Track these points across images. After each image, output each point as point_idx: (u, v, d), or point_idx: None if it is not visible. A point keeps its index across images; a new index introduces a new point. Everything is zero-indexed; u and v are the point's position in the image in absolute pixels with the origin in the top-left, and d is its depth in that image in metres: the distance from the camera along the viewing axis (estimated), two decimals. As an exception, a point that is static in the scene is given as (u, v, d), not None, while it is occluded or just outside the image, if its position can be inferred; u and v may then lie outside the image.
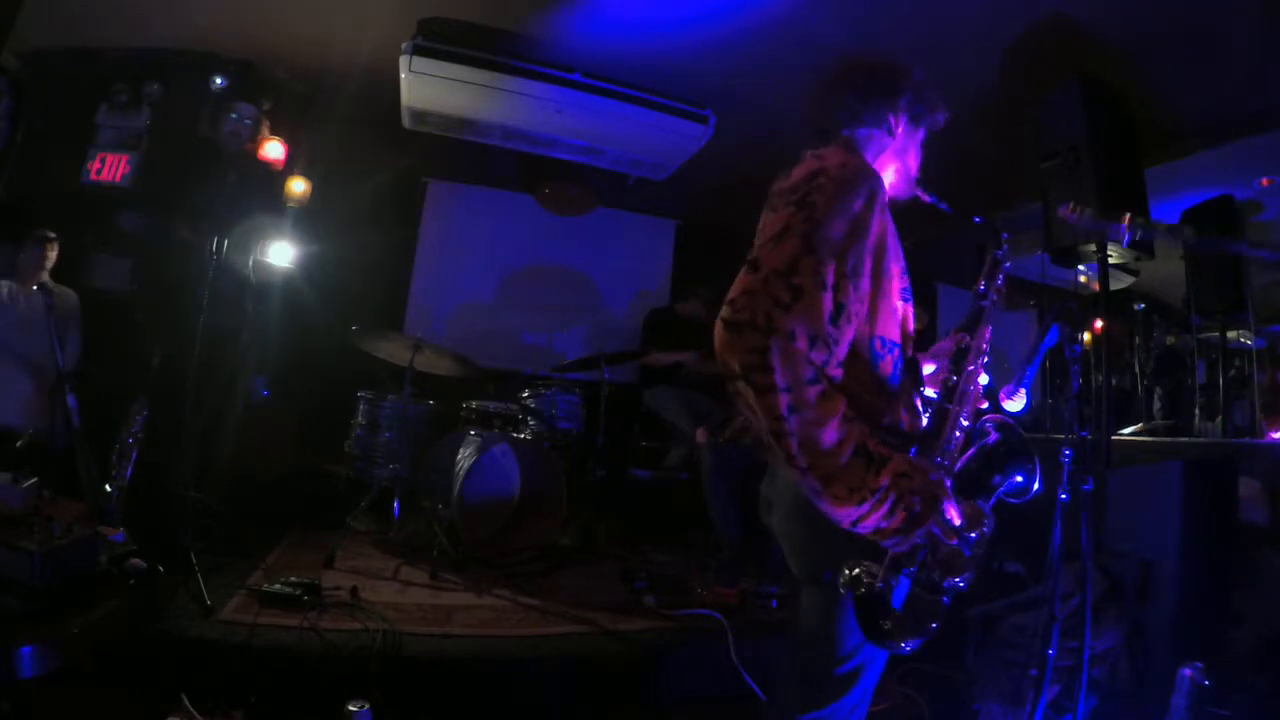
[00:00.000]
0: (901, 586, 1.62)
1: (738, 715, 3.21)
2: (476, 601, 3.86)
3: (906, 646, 1.62)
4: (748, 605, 4.07)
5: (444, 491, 4.55)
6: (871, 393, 1.73)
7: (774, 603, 4.09)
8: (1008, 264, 2.00)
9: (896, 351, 1.81)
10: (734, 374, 1.52)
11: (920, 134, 2.03)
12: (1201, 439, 5.30)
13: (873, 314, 1.73)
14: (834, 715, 1.81)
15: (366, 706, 2.49)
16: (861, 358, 1.73)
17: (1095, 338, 4.97)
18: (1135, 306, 7.47)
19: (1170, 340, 6.87)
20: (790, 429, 1.50)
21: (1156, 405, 6.56)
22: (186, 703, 2.64)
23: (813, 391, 1.50)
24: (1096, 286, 4.57)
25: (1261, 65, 4.32)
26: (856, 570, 1.60)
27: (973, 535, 1.68)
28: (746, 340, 1.49)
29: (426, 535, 4.52)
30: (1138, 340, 7.33)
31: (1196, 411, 6.06)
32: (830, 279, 1.56)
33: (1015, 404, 2.38)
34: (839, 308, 1.59)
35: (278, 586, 3.45)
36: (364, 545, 4.66)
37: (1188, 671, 2.93)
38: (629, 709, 3.32)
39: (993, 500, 1.82)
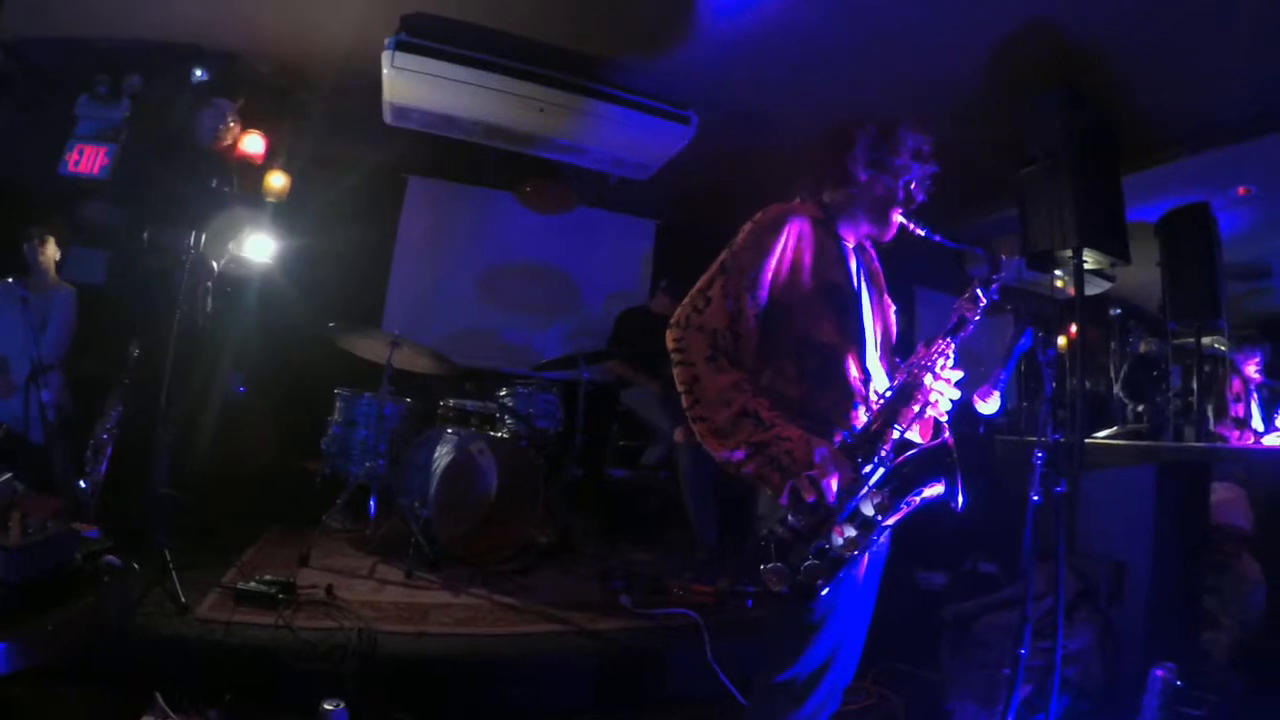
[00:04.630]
0: (798, 549, 1.96)
1: (715, 715, 3.22)
2: (453, 600, 3.85)
3: (782, 591, 1.93)
4: (724, 604, 4.07)
5: (420, 490, 4.54)
6: (792, 381, 2.17)
7: (750, 602, 4.08)
8: (993, 288, 2.23)
9: (826, 350, 2.19)
10: (670, 357, 2.12)
11: (892, 172, 2.32)
12: (1174, 444, 5.35)
13: (789, 318, 2.17)
14: (802, 671, 2.13)
15: (342, 705, 2.49)
16: (783, 354, 2.18)
17: (1070, 342, 5.01)
18: (1111, 312, 7.51)
19: (1144, 347, 6.92)
20: (689, 390, 2.06)
21: (1133, 411, 6.61)
22: (161, 701, 2.62)
23: (709, 366, 2.05)
24: (1072, 291, 4.61)
25: (1240, 76, 4.37)
26: (766, 529, 2.02)
27: (879, 520, 2.00)
28: (673, 333, 2.12)
29: (403, 533, 4.51)
30: (1113, 345, 7.37)
31: (1170, 416, 6.12)
32: (732, 291, 2.12)
33: (989, 406, 2.41)
34: (739, 312, 2.11)
35: (253, 584, 3.43)
36: (340, 543, 4.64)
37: (1160, 672, 2.96)
38: (606, 708, 3.33)
39: (910, 496, 2.06)
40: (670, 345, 2.11)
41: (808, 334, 2.17)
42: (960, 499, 2.07)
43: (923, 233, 2.31)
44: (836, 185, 2.36)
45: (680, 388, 2.08)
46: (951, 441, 2.10)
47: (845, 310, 2.25)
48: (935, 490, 2.07)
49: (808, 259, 2.20)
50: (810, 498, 1.94)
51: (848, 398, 2.20)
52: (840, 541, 1.95)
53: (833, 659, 2.15)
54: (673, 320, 2.14)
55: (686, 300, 2.15)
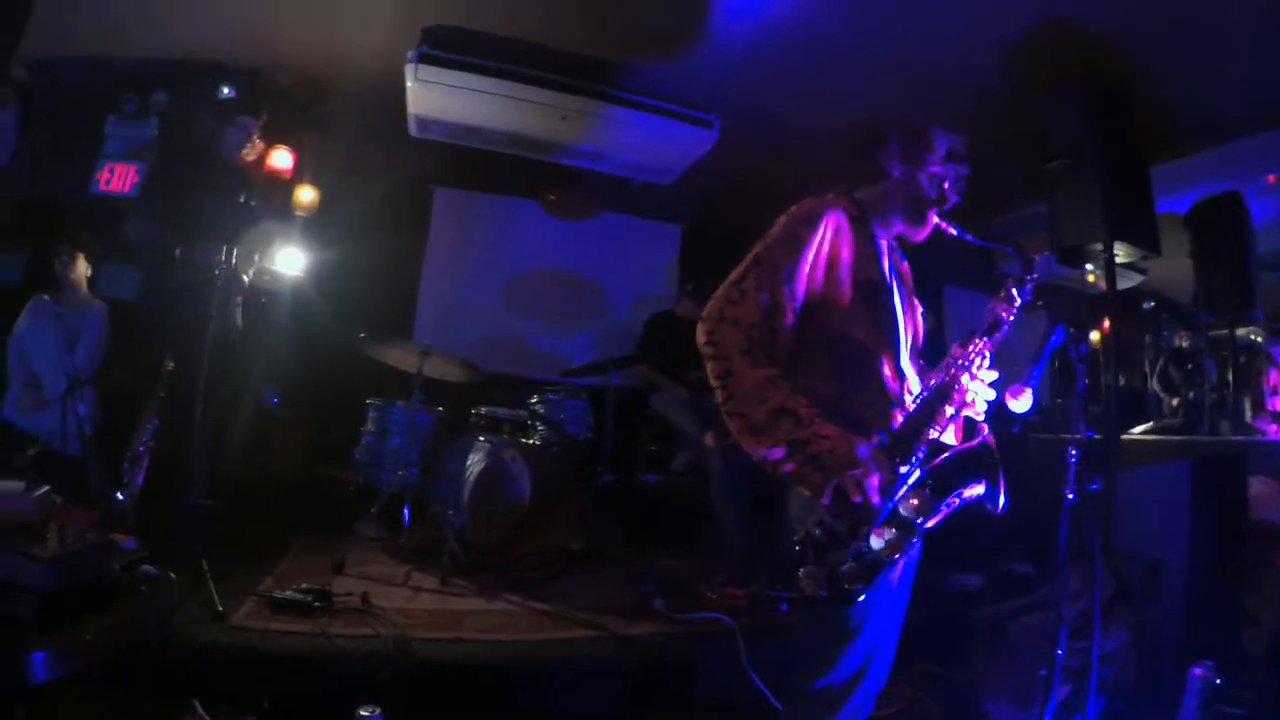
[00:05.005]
0: (835, 551, 1.94)
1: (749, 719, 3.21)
2: (487, 607, 3.87)
3: (821, 594, 1.93)
4: (758, 608, 4.06)
5: (453, 498, 4.56)
6: (827, 380, 2.13)
7: (784, 606, 4.07)
8: (1028, 287, 2.22)
9: (861, 350, 2.17)
10: (699, 353, 2.07)
11: (927, 171, 2.31)
12: (1210, 438, 5.28)
13: (826, 315, 2.14)
14: (837, 677, 2.09)
15: (378, 711, 2.50)
16: (818, 349, 2.14)
17: (1104, 337, 4.95)
18: (1144, 305, 7.41)
19: (1185, 343, 6.82)
20: (723, 384, 2.02)
21: (1170, 405, 6.52)
22: (199, 708, 2.65)
23: (744, 360, 2.01)
24: (1104, 285, 4.56)
25: (1266, 62, 4.31)
26: (799, 528, 2.01)
27: (919, 520, 1.97)
28: (705, 327, 2.07)
29: (437, 541, 4.52)
30: (1147, 339, 7.27)
31: (1205, 410, 6.04)
32: (767, 284, 2.08)
33: (1021, 404, 2.39)
34: (775, 306, 2.08)
35: (289, 593, 3.46)
36: (374, 551, 4.67)
37: (1199, 671, 2.92)
38: (639, 713, 3.32)
39: (949, 498, 2.02)
40: (702, 339, 2.06)
41: (843, 332, 2.15)
42: (1000, 500, 2.05)
43: (955, 232, 2.31)
44: (870, 182, 2.35)
45: (714, 383, 2.04)
46: (993, 442, 2.08)
47: (880, 308, 2.22)
48: (975, 491, 2.05)
49: (845, 254, 2.17)
50: (857, 498, 1.91)
51: (882, 397, 2.17)
52: (879, 544, 1.92)
53: (868, 665, 2.13)
54: (705, 314, 2.09)
55: (719, 293, 2.11)
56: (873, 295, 2.21)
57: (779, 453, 1.96)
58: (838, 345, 2.14)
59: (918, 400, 2.13)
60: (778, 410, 1.96)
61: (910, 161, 2.30)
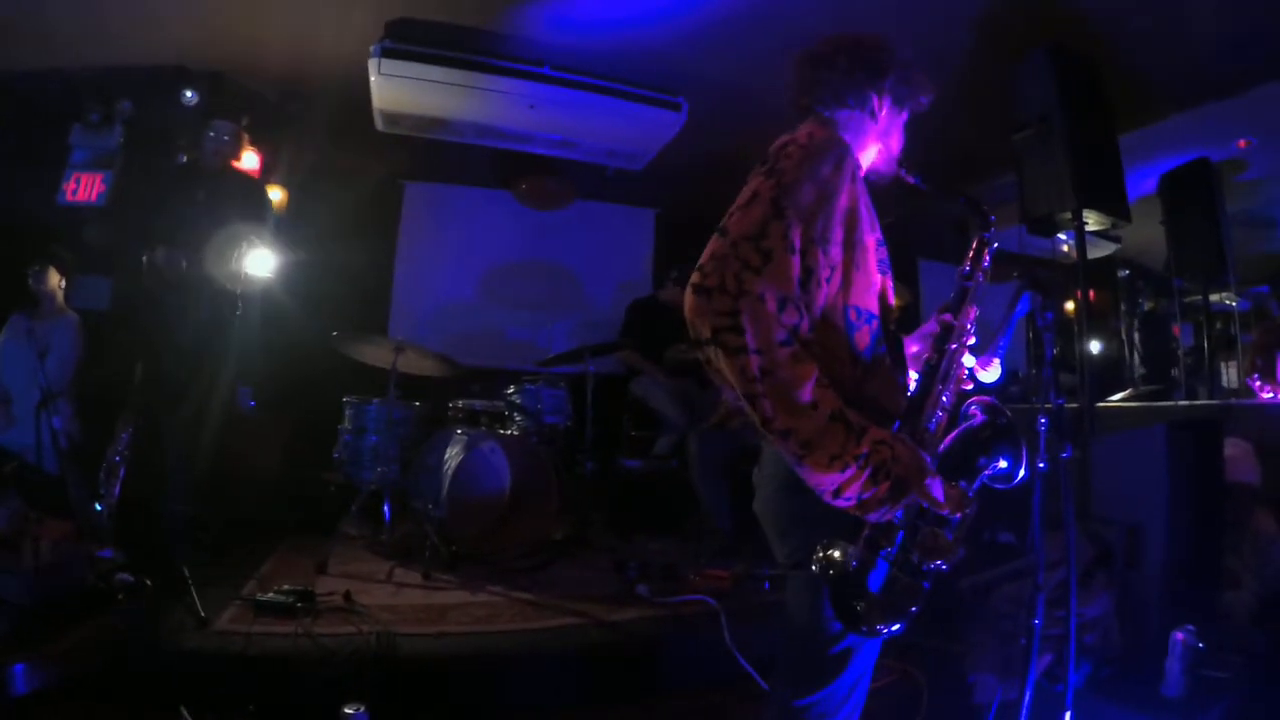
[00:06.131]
0: (879, 569, 1.61)
1: (737, 700, 3.22)
2: (470, 599, 3.86)
3: (883, 629, 1.61)
4: (741, 589, 4.07)
5: (433, 492, 4.55)
6: (845, 362, 1.71)
7: (766, 585, 4.09)
8: (994, 245, 1.95)
9: (875, 323, 1.79)
10: (705, 339, 1.54)
11: (904, 115, 2.01)
12: (1185, 402, 5.32)
13: (846, 282, 1.72)
14: (830, 698, 1.81)
15: (363, 709, 2.50)
16: (835, 326, 1.71)
17: (1077, 305, 4.98)
18: (1120, 273, 7.46)
19: (1150, 306, 6.88)
20: (763, 390, 1.50)
21: (1139, 371, 6.59)
22: (185, 714, 2.65)
23: (785, 353, 1.50)
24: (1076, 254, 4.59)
25: (1232, 27, 4.33)
26: (830, 551, 1.60)
27: (955, 517, 1.66)
28: (716, 304, 1.51)
29: (419, 536, 4.52)
30: (1123, 306, 7.32)
31: (1181, 375, 6.09)
32: (798, 243, 1.57)
33: (989, 374, 2.37)
34: (807, 272, 1.61)
35: (271, 595, 3.45)
36: (357, 549, 4.66)
37: (1180, 635, 2.94)
38: (627, 699, 3.33)
39: (976, 483, 1.77)
40: (715, 322, 1.51)
41: (858, 305, 1.74)
42: (1023, 471, 1.77)
43: (913, 181, 1.99)
44: (844, 110, 1.91)
45: (744, 385, 1.52)
46: (1003, 409, 1.80)
47: (886, 273, 1.87)
48: (1000, 466, 1.78)
49: (863, 207, 1.77)
50: (948, 513, 1.62)
51: (892, 380, 1.84)
52: (931, 551, 1.65)
53: (866, 673, 1.87)
54: (706, 281, 1.53)
55: (721, 250, 1.56)
56: (882, 256, 1.85)
57: (849, 472, 1.52)
58: (854, 321, 1.74)
59: (921, 378, 1.81)
60: (830, 418, 1.52)
61: (897, 103, 1.96)
